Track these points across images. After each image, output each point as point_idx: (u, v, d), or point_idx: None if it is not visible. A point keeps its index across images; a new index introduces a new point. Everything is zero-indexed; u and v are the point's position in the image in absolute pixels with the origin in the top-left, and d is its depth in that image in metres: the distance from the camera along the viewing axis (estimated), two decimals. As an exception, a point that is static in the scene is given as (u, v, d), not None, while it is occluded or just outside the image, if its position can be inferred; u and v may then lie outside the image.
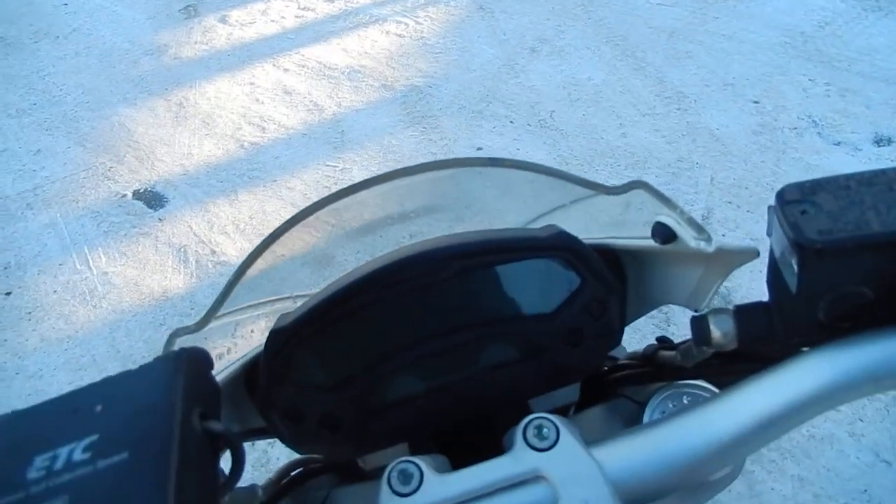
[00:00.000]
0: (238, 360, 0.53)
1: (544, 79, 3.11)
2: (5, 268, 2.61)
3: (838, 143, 2.58)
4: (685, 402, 0.53)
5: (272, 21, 3.83)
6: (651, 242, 0.50)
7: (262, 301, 0.59)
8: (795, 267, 0.37)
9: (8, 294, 2.51)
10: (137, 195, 2.87)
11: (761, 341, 0.43)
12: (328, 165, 2.82)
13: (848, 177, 0.38)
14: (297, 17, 3.81)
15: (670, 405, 0.53)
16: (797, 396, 0.39)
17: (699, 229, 0.47)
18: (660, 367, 0.55)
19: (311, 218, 0.56)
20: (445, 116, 2.98)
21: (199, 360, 0.35)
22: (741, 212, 2.38)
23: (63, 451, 0.29)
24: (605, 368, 0.60)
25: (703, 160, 2.59)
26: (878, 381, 0.38)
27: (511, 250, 0.51)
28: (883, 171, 0.37)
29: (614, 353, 0.60)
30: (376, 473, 0.49)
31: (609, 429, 0.55)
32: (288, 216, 0.56)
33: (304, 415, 0.51)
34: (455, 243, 0.50)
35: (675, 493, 0.50)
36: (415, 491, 0.38)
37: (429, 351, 0.51)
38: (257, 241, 0.55)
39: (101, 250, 2.64)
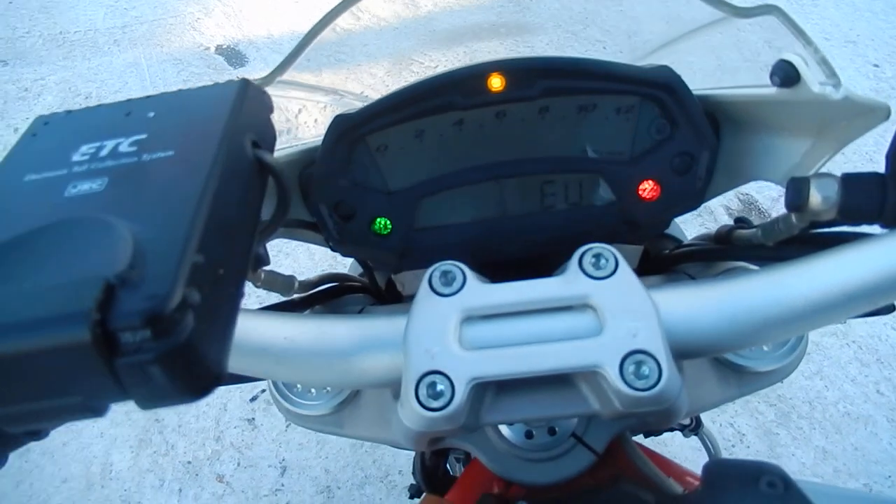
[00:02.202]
0: (296, 145, 0.51)
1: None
2: (86, 98, 2.67)
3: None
4: None
5: None
6: (766, 91, 0.44)
7: (330, 87, 0.56)
8: None
9: (86, 123, 2.59)
10: (220, 50, 2.88)
11: (865, 214, 0.38)
12: (414, 61, 2.75)
13: None
14: None
15: None
16: (892, 267, 0.34)
17: (830, 72, 0.40)
18: (733, 246, 0.50)
19: None
20: None
21: (261, 95, 0.32)
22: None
23: (109, 143, 0.28)
24: (667, 251, 0.56)
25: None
26: None
27: (606, 78, 0.46)
28: None
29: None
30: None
31: None
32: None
33: (356, 213, 0.49)
34: (546, 59, 0.46)
35: (723, 380, 0.47)
36: (456, 293, 0.35)
37: (496, 176, 0.48)
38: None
39: (177, 98, 2.67)
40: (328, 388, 0.48)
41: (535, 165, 0.49)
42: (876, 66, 2.59)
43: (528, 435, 0.45)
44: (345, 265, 0.64)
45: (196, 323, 0.21)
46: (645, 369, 0.32)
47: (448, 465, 0.73)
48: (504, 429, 0.45)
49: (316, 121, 0.52)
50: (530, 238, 0.50)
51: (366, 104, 0.47)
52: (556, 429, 0.45)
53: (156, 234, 0.22)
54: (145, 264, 0.21)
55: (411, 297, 0.37)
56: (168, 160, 0.26)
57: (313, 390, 0.48)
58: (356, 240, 0.50)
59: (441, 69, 0.48)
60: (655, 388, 0.32)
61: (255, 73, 2.72)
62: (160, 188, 0.25)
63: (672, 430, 0.73)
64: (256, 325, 0.36)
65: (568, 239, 0.47)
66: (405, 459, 1.59)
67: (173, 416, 1.69)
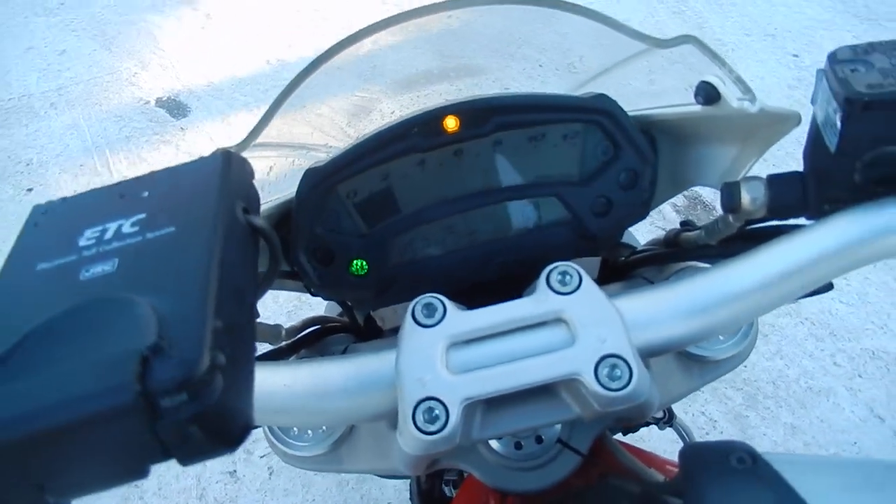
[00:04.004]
0: (271, 200, 0.53)
1: (541, 30, 3.02)
2: (27, 164, 2.63)
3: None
4: None
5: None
6: (692, 108, 0.49)
7: (297, 143, 0.59)
8: (839, 124, 0.37)
9: (29, 190, 2.54)
10: (160, 103, 2.87)
11: (791, 209, 0.42)
12: (356, 95, 2.78)
13: None
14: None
15: None
16: (829, 249, 0.38)
17: (745, 89, 0.46)
18: (681, 248, 0.55)
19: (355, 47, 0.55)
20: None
21: (242, 163, 0.35)
22: (766, 165, 2.33)
23: (112, 225, 0.30)
24: (623, 258, 0.60)
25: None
26: None
27: (551, 109, 0.51)
28: None
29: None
30: (394, 332, 0.50)
31: None
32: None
33: (334, 258, 0.52)
34: (495, 98, 0.50)
35: (686, 371, 0.51)
36: (438, 323, 0.38)
37: (460, 209, 0.52)
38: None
39: (122, 154, 2.65)
40: (323, 428, 0.51)
41: (494, 195, 0.53)
42: (795, 55, 2.73)
43: (518, 446, 0.48)
44: (311, 305, 0.66)
45: (225, 381, 0.24)
46: (617, 371, 0.36)
47: (444, 488, 0.75)
48: (494, 443, 0.48)
49: (286, 175, 0.55)
50: (498, 262, 0.54)
51: (333, 156, 0.51)
52: (543, 437, 0.48)
53: (174, 306, 0.25)
54: (170, 335, 0.24)
55: (392, 331, 0.40)
56: (171, 236, 0.29)
57: (310, 432, 0.51)
58: (336, 283, 0.52)
59: (397, 115, 0.51)
60: (628, 388, 0.35)
61: (198, 122, 2.73)
62: (169, 263, 0.27)
63: (647, 424, 0.77)
64: (257, 377, 0.38)
65: (533, 258, 0.51)
66: (393, 491, 1.60)
67: (153, 478, 1.66)
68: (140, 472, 0.24)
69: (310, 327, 0.56)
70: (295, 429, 0.51)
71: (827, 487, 0.36)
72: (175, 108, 2.83)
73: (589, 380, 0.36)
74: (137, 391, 0.22)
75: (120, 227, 0.30)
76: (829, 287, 0.68)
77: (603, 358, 0.36)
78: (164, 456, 0.23)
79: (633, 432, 0.75)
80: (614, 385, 0.35)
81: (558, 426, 0.48)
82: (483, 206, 0.53)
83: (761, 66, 2.68)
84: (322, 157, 0.52)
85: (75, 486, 0.24)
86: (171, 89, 2.92)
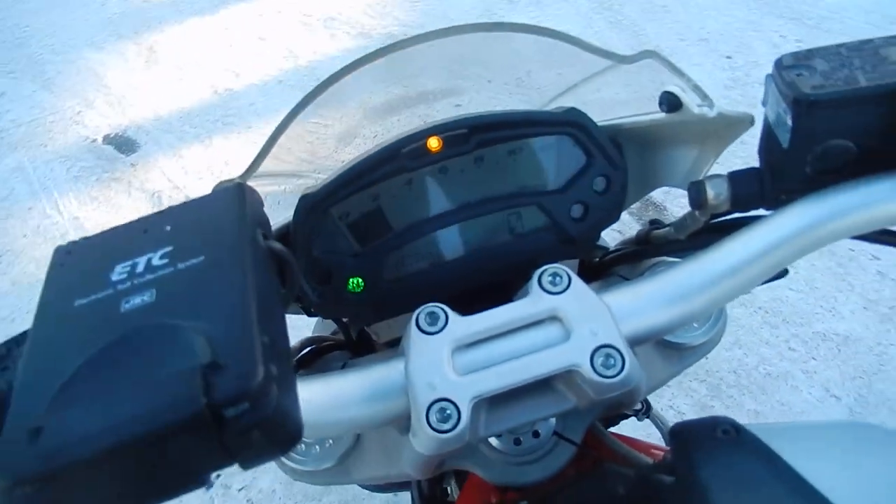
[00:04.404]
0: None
1: (511, 51, 3.10)
2: (-27, 211, 2.56)
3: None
4: None
5: (245, -35, 3.74)
6: (657, 116, 0.54)
7: (290, 171, 0.62)
8: (790, 122, 0.41)
9: (-24, 237, 2.48)
10: (108, 140, 2.83)
11: (751, 202, 0.47)
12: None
13: (839, 45, 0.42)
14: (270, -39, 3.73)
15: None
16: (785, 235, 0.43)
17: (703, 96, 0.51)
18: (653, 245, 0.59)
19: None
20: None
21: (253, 193, 0.37)
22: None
23: (142, 259, 0.31)
24: (598, 259, 0.64)
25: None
26: (855, 223, 0.43)
27: (526, 125, 0.55)
28: (870, 40, 0.42)
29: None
30: (389, 345, 0.52)
31: None
32: None
33: (331, 278, 0.54)
34: (474, 117, 0.54)
35: (667, 358, 0.54)
36: (441, 329, 0.41)
37: (448, 223, 0.56)
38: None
39: (71, 195, 2.60)
40: (330, 442, 0.53)
41: (478, 208, 0.56)
42: (729, 57, 2.86)
43: (517, 442, 0.51)
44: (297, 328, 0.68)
45: (278, 390, 0.26)
46: (611, 360, 0.39)
47: (446, 488, 0.78)
48: (494, 441, 0.51)
49: (279, 203, 0.57)
50: (487, 269, 0.58)
51: (326, 181, 0.53)
52: (539, 431, 0.51)
53: (220, 327, 0.27)
54: (223, 353, 0.26)
55: (387, 344, 0.42)
56: (202, 264, 0.31)
57: (317, 447, 0.53)
58: (335, 301, 0.55)
59: (380, 138, 0.54)
60: (622, 374, 0.39)
61: (149, 157, 2.70)
62: (206, 289, 0.29)
63: (627, 416, 0.81)
64: None
65: (519, 264, 0.55)
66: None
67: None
68: (203, 482, 0.26)
69: (307, 347, 0.58)
70: (302, 445, 0.53)
71: (806, 450, 0.40)
72: (124, 144, 2.80)
73: (586, 370, 0.39)
74: (204, 403, 0.24)
75: (149, 260, 0.32)
76: (784, 273, 0.74)
77: (597, 349, 0.40)
78: (228, 461, 0.26)
79: (614, 425, 0.79)
80: (609, 373, 0.39)
81: (553, 420, 0.51)
82: (469, 219, 0.56)
83: (698, 70, 2.80)
84: (311, 182, 0.55)
85: (144, 495, 0.26)
86: (118, 126, 2.89)
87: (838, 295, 1.91)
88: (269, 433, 0.25)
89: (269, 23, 3.32)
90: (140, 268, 0.31)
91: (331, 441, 0.53)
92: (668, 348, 0.56)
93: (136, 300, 0.30)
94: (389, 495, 1.58)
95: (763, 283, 0.67)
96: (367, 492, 1.53)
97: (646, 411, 0.81)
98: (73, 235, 2.44)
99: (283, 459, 0.53)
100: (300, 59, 3.08)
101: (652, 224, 0.60)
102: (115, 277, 0.31)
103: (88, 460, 0.24)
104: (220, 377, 0.25)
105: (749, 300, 1.93)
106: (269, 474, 1.67)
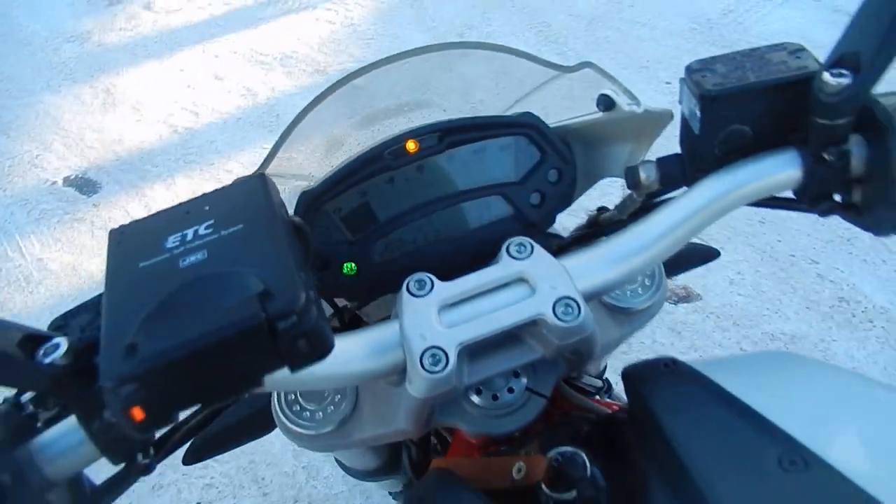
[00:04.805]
0: None
1: (472, 65, 3.24)
2: (-69, 257, 2.54)
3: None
4: None
5: (199, 8, 3.82)
6: (596, 116, 0.64)
7: (287, 173, 0.70)
8: (699, 114, 0.51)
9: (-64, 283, 2.46)
10: (69, 182, 2.84)
11: (675, 181, 0.57)
12: (265, 148, 2.86)
13: (735, 52, 0.53)
14: (225, 3, 3.82)
15: None
16: (700, 204, 0.53)
17: (632, 97, 0.62)
18: (600, 227, 0.69)
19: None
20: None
21: (273, 183, 0.44)
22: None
23: (189, 231, 0.38)
24: (556, 245, 0.73)
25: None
26: (752, 191, 0.53)
27: (489, 127, 0.65)
28: (758, 48, 0.53)
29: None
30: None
31: None
32: None
33: (329, 264, 0.63)
34: (445, 123, 0.64)
35: (617, 321, 0.63)
36: (429, 293, 0.50)
37: (426, 213, 0.65)
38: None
39: (33, 237, 2.61)
40: (331, 408, 0.59)
41: (451, 199, 0.66)
42: (668, 83, 3.03)
43: (494, 398, 0.58)
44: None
45: (317, 311, 0.33)
46: (570, 309, 0.48)
47: (433, 455, 0.84)
48: (475, 398, 0.58)
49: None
50: (462, 250, 0.67)
51: (323, 180, 0.62)
52: (514, 388, 0.59)
53: (267, 268, 0.35)
54: (272, 285, 0.33)
55: (377, 323, 0.50)
56: (242, 230, 0.38)
57: (319, 413, 0.59)
58: (332, 284, 0.63)
59: (364, 145, 0.63)
60: (579, 318, 0.47)
61: (112, 197, 2.72)
62: (250, 245, 0.37)
63: (590, 395, 0.89)
64: None
65: (489, 247, 0.64)
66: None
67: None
68: (259, 382, 0.33)
69: None
70: (306, 412, 0.59)
71: (733, 373, 0.48)
72: (85, 185, 2.82)
73: (550, 318, 0.48)
74: (263, 317, 0.31)
75: (196, 230, 0.39)
76: (716, 254, 0.84)
77: (558, 300, 0.49)
78: (279, 364, 0.33)
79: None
80: (568, 318, 0.48)
81: (524, 379, 0.59)
82: (444, 209, 0.66)
83: (641, 95, 2.94)
84: (304, 183, 0.63)
85: (214, 390, 0.33)
86: (78, 167, 2.90)
87: (783, 297, 2.04)
88: (312, 341, 0.33)
89: (226, 63, 3.39)
90: (189, 237, 0.39)
91: (332, 407, 0.59)
92: (618, 312, 0.65)
93: (192, 258, 0.37)
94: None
95: (697, 266, 0.79)
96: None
97: (607, 390, 0.90)
98: (37, 277, 2.45)
99: (289, 425, 0.59)
100: (258, 96, 3.15)
101: (599, 210, 0.70)
102: (169, 245, 0.38)
103: (174, 362, 0.31)
104: (271, 301, 0.32)
105: (701, 306, 2.04)
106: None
